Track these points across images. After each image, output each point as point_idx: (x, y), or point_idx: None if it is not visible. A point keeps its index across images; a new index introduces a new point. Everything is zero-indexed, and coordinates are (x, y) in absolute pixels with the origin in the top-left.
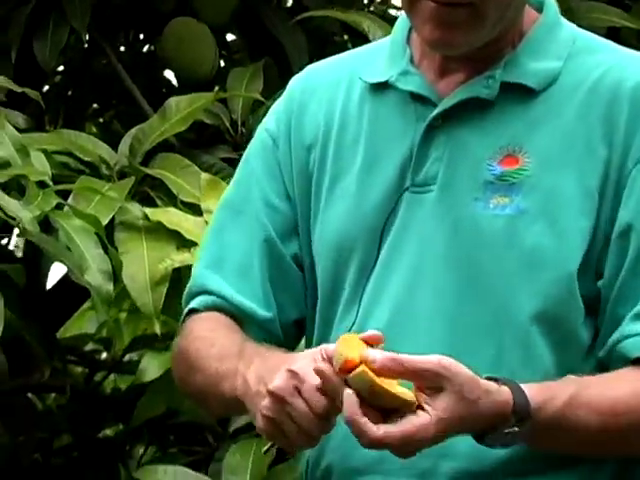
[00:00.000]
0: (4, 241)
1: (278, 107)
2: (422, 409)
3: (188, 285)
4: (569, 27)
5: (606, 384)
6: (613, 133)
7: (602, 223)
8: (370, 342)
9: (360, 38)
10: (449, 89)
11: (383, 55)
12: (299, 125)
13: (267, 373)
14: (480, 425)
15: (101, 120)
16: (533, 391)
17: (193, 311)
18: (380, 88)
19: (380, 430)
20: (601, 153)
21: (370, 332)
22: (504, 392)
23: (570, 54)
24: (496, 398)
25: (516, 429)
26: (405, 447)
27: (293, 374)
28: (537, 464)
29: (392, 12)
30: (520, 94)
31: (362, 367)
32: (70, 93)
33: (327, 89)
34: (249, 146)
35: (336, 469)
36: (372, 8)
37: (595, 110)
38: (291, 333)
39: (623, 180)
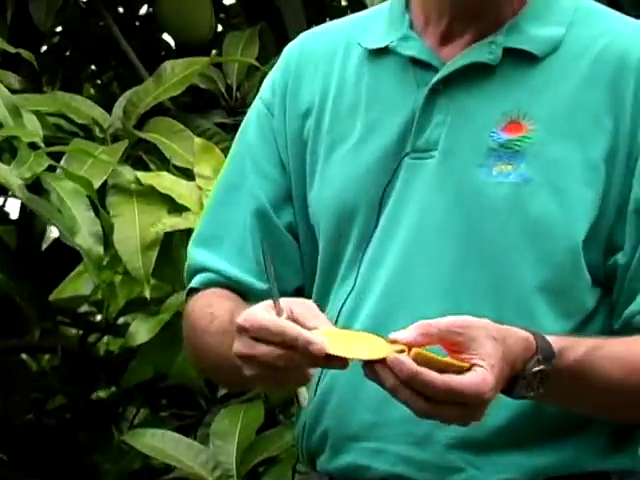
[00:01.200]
0: None
1: (273, 75)
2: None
3: (186, 264)
4: None
5: (629, 343)
6: (620, 105)
7: (612, 195)
8: None
9: (358, 3)
10: (451, 55)
11: (381, 21)
12: (295, 92)
13: None
14: (515, 366)
15: (99, 82)
16: (552, 338)
17: (194, 290)
18: (379, 54)
19: (452, 378)
20: (607, 124)
21: None
22: (523, 332)
23: (572, 22)
24: (519, 335)
25: (543, 367)
26: (476, 399)
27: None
28: (532, 435)
29: None
30: (523, 60)
31: (412, 352)
32: (68, 54)
33: (323, 55)
34: (245, 118)
35: (332, 435)
36: None
37: (600, 81)
38: None
39: (635, 152)
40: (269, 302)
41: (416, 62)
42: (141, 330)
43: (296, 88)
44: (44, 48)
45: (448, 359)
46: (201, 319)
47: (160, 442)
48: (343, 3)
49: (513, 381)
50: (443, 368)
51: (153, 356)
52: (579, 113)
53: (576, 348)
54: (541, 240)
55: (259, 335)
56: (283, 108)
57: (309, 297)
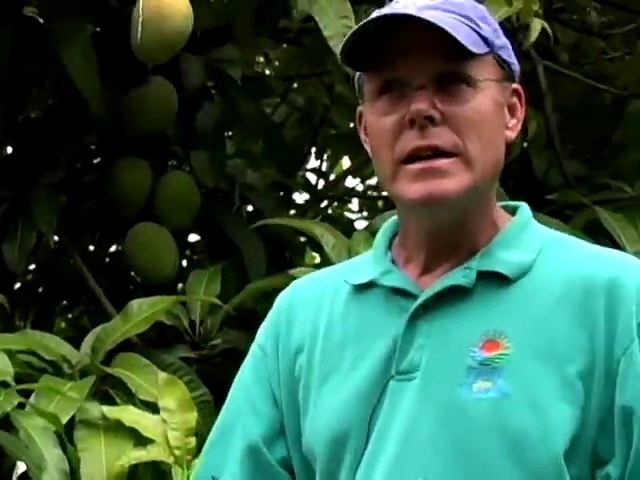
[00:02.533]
0: None
1: (267, 322)
2: None
3: None
4: (540, 226)
5: None
6: (593, 323)
7: (593, 410)
8: None
9: (316, 243)
10: (430, 283)
11: (367, 262)
12: (287, 334)
13: None
14: None
15: (70, 316)
16: None
17: None
18: (365, 288)
19: None
20: (582, 343)
21: None
22: None
23: (542, 248)
24: None
25: None
26: None
27: None
28: None
29: (348, 215)
30: (496, 282)
31: None
32: (41, 290)
33: (313, 298)
34: (243, 362)
35: None
36: (330, 211)
37: (571, 302)
38: None
39: (614, 367)
40: None
41: (397, 291)
42: None
43: (288, 330)
44: (17, 285)
45: None
46: None
47: None
48: (302, 239)
49: None
50: None
51: None
52: (552, 332)
53: None
54: (522, 453)
55: None
56: (276, 349)
57: None
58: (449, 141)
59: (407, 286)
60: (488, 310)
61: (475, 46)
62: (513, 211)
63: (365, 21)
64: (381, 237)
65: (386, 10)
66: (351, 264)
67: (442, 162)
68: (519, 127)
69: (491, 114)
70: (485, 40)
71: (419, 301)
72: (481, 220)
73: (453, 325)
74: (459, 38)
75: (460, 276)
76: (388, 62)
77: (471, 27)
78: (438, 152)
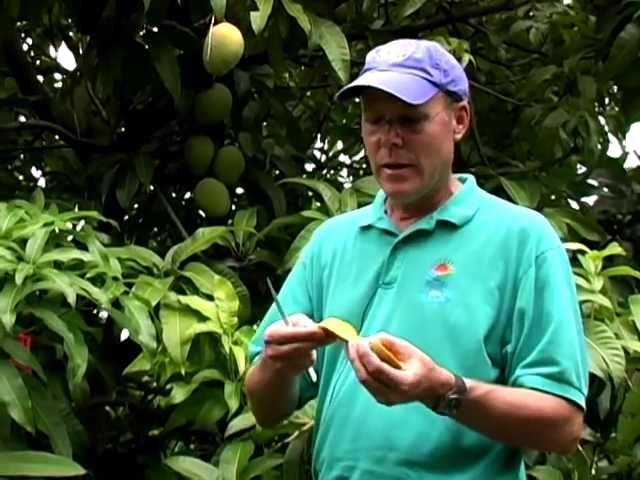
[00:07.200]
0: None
1: (308, 247)
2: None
3: (248, 354)
4: (481, 192)
5: (514, 390)
6: (508, 256)
7: (504, 310)
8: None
9: (323, 201)
10: (407, 226)
11: (369, 212)
12: (318, 256)
13: None
14: (436, 390)
15: (159, 238)
16: (466, 379)
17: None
18: (366, 229)
19: (388, 367)
20: (500, 267)
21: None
22: (449, 372)
23: (480, 206)
24: (444, 371)
25: (458, 396)
26: (395, 385)
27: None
28: (452, 460)
29: (340, 179)
30: (448, 228)
31: (378, 342)
32: (140, 221)
33: (336, 233)
34: (292, 269)
35: (326, 459)
36: (328, 176)
37: (495, 242)
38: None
39: (517, 283)
40: (281, 321)
41: (386, 232)
42: (178, 394)
43: (319, 253)
44: (126, 217)
45: (390, 354)
46: (248, 375)
47: (189, 465)
48: (310, 193)
49: (438, 401)
50: (385, 358)
51: (185, 410)
52: (482, 260)
53: (481, 388)
54: (456, 337)
55: (280, 340)
56: (311, 264)
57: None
58: (407, 158)
59: (392, 228)
60: (441, 246)
61: (422, 96)
62: (464, 181)
63: (346, 87)
64: (378, 197)
65: (360, 80)
66: (359, 212)
67: (402, 171)
68: (464, 130)
69: (439, 134)
70: (434, 83)
71: (398, 238)
72: (439, 190)
73: (419, 254)
74: (405, 99)
75: (425, 223)
76: (370, 103)
77: (424, 77)
78: (400, 165)
